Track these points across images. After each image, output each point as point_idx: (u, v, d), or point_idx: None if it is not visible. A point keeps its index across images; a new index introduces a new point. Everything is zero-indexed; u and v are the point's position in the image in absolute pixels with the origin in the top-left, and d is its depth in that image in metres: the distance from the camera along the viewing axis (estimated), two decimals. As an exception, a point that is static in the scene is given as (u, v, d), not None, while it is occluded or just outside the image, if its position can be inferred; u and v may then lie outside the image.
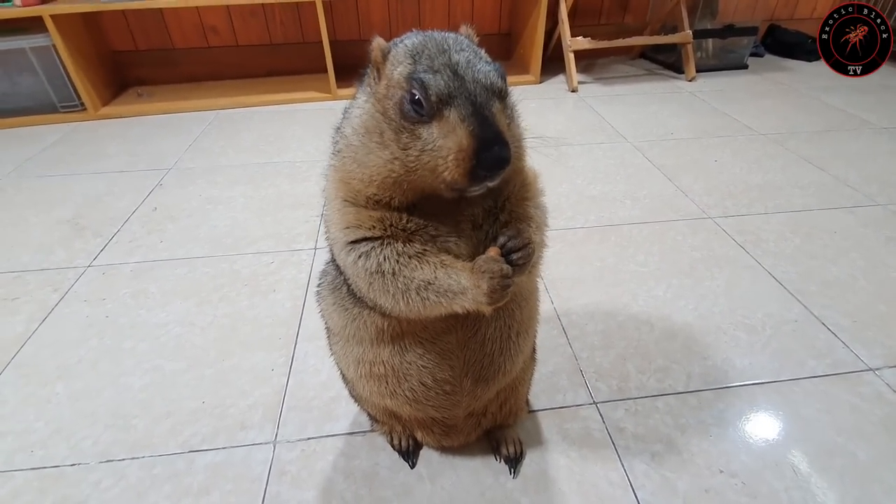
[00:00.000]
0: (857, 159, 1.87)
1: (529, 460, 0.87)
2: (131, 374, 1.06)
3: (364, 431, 0.93)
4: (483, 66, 0.48)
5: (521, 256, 0.54)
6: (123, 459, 0.89)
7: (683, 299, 1.23)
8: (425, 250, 0.55)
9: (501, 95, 0.49)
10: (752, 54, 3.00)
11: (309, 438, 0.92)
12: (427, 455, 0.89)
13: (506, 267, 0.52)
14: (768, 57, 3.10)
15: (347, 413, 0.96)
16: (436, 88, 0.46)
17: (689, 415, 0.95)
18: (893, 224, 1.49)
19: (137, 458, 0.90)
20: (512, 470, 0.85)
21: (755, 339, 1.11)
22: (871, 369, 1.03)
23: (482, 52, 0.52)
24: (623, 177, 1.78)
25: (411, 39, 0.53)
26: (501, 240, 0.55)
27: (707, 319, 1.17)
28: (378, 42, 0.53)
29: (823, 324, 1.15)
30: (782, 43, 3.09)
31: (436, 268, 0.54)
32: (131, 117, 2.41)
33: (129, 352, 1.11)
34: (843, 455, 0.88)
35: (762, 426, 0.93)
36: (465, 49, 0.50)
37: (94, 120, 2.39)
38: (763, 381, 1.01)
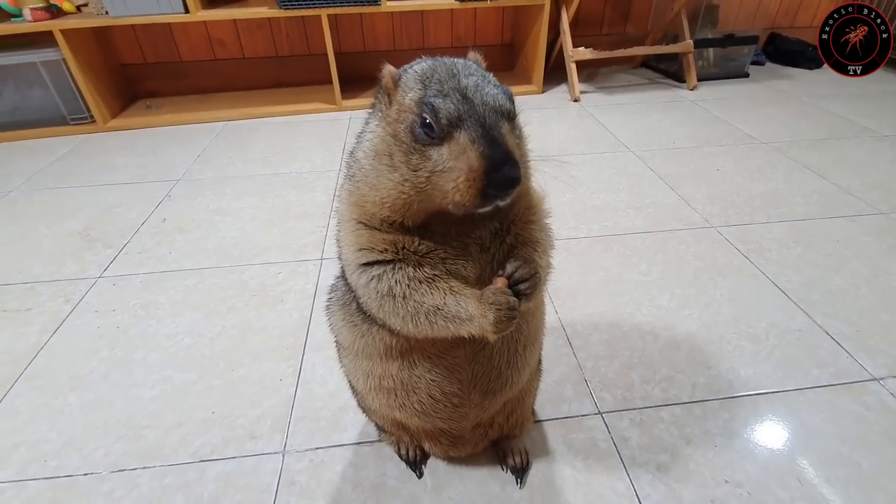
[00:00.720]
0: (859, 167, 1.88)
1: (535, 470, 0.88)
2: (142, 384, 1.07)
3: (372, 441, 0.94)
4: (491, 90, 0.50)
5: (527, 287, 0.56)
6: (135, 469, 0.91)
7: (687, 309, 1.24)
8: (435, 275, 0.56)
9: (510, 117, 0.50)
10: (754, 62, 3.02)
11: (317, 448, 0.93)
12: (434, 465, 0.90)
13: (513, 300, 0.54)
14: (769, 65, 3.12)
15: (355, 423, 0.97)
16: (446, 112, 0.47)
17: (694, 425, 0.96)
18: (896, 232, 1.50)
19: (149, 467, 0.91)
20: (518, 480, 0.86)
21: (759, 349, 1.12)
22: (875, 379, 1.04)
23: (490, 76, 0.54)
24: (626, 186, 1.80)
25: (420, 65, 0.54)
26: (509, 269, 0.57)
27: (711, 329, 1.18)
28: (389, 69, 0.55)
29: (827, 333, 1.15)
30: (783, 51, 3.11)
31: (445, 294, 0.56)
32: (140, 129, 2.45)
33: (140, 362, 1.13)
34: (847, 465, 0.88)
35: (767, 436, 0.93)
36: (473, 73, 0.51)
37: (104, 132, 2.42)
38: (767, 390, 1.02)
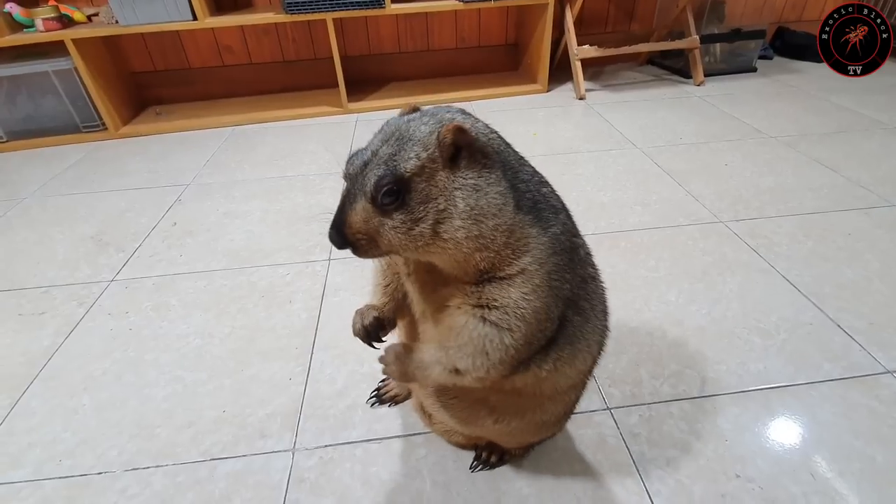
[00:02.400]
0: (870, 160, 1.86)
1: (544, 467, 0.88)
2: (154, 384, 1.09)
3: (380, 439, 0.94)
4: (367, 165, 0.53)
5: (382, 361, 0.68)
6: (148, 467, 0.92)
7: (696, 304, 1.23)
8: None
9: (368, 198, 0.52)
10: (761, 57, 3.00)
11: (326, 446, 0.94)
12: (442, 462, 0.90)
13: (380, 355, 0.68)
14: (777, 59, 3.09)
15: (364, 421, 0.98)
16: (343, 171, 0.57)
17: (704, 420, 0.95)
18: (909, 225, 1.48)
19: (161, 466, 0.92)
20: (474, 464, 0.88)
21: (770, 343, 1.11)
22: (888, 371, 1.02)
23: (388, 150, 0.53)
24: (633, 183, 1.79)
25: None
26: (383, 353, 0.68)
27: (720, 324, 1.17)
28: None
29: (839, 326, 1.14)
30: (791, 45, 3.08)
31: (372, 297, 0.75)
32: (150, 136, 2.49)
33: (152, 363, 1.14)
34: (861, 459, 0.87)
35: (778, 430, 0.92)
36: (366, 151, 0.55)
37: (115, 139, 2.46)
38: (779, 384, 1.01)
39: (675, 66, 2.94)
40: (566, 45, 2.71)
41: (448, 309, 0.59)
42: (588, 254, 0.66)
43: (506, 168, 0.55)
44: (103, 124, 2.45)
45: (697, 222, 1.54)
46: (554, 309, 0.58)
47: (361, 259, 0.57)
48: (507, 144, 0.59)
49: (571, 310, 0.61)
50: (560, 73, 2.88)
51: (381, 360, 0.67)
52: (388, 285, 0.71)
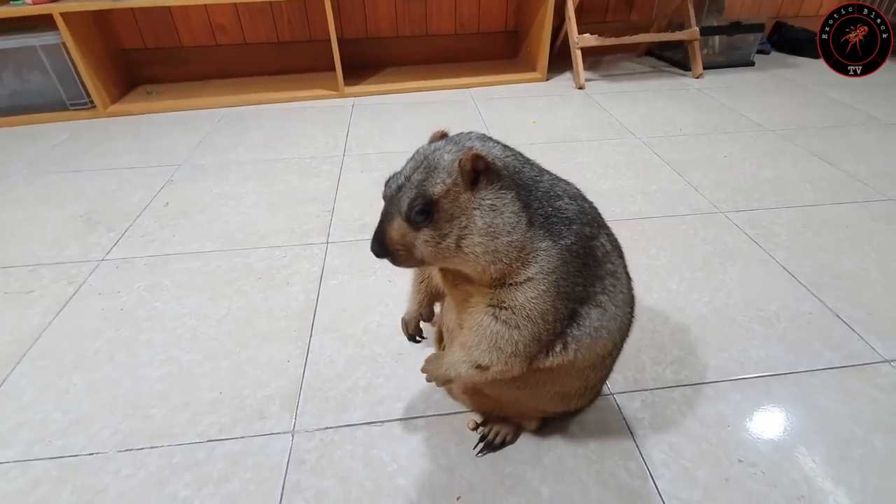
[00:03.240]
0: (867, 154, 1.87)
1: (547, 450, 0.88)
2: (148, 365, 1.06)
3: (382, 422, 0.93)
4: (402, 188, 0.61)
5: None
6: (143, 448, 0.90)
7: (697, 292, 1.23)
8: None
9: (403, 216, 0.60)
10: (759, 51, 3.00)
11: (327, 428, 0.92)
12: (446, 444, 0.89)
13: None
14: (774, 54, 3.10)
15: (364, 403, 0.97)
16: (383, 193, 0.64)
17: (707, 405, 0.95)
18: (906, 218, 1.49)
19: (157, 447, 0.90)
20: (479, 447, 0.87)
21: (770, 332, 1.11)
22: (887, 361, 1.03)
23: (420, 174, 0.60)
24: (633, 172, 1.78)
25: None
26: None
27: (722, 312, 1.17)
28: None
29: (838, 316, 1.14)
30: (789, 40, 3.08)
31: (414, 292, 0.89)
32: (141, 115, 2.42)
33: (146, 343, 1.11)
34: (862, 445, 0.88)
35: (780, 417, 0.93)
36: (401, 175, 0.63)
37: (104, 117, 2.40)
38: (780, 372, 1.01)
39: (674, 58, 2.93)
40: (566, 34, 2.68)
41: (470, 306, 0.69)
42: (607, 252, 0.70)
43: (520, 188, 0.62)
44: (92, 102, 2.38)
45: (698, 212, 1.54)
46: (562, 310, 0.65)
47: (399, 268, 0.66)
48: (526, 162, 0.66)
49: (588, 306, 0.67)
50: (559, 61, 2.86)
51: (423, 369, 0.76)
52: (422, 282, 0.85)
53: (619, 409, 0.95)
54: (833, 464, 0.85)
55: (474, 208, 0.59)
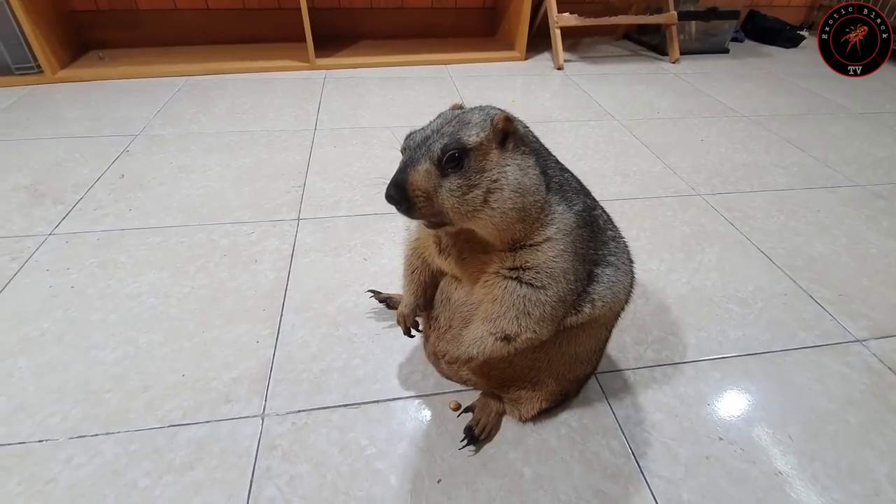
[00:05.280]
0: (836, 141, 1.92)
1: (530, 430, 0.85)
2: (102, 347, 0.98)
3: (358, 404, 0.89)
4: (429, 138, 0.60)
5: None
6: (97, 435, 0.83)
7: (676, 273, 1.23)
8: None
9: (434, 160, 0.59)
10: (733, 39, 3.03)
11: (299, 411, 0.87)
12: (425, 426, 0.85)
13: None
14: (748, 42, 3.14)
15: (340, 385, 0.92)
16: (402, 145, 0.64)
17: (687, 384, 0.95)
18: (872, 203, 1.53)
19: (112, 433, 0.83)
20: (465, 440, 0.81)
21: (747, 312, 1.12)
22: (858, 340, 1.05)
23: (450, 127, 0.61)
24: (612, 154, 1.77)
25: None
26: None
27: (700, 292, 1.17)
28: None
29: (811, 297, 1.16)
30: (762, 29, 3.13)
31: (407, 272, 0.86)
32: (92, 81, 2.25)
33: (99, 324, 1.03)
34: (835, 421, 0.89)
35: (758, 395, 0.93)
36: (430, 127, 0.63)
37: (52, 83, 2.21)
38: (757, 351, 1.02)
39: (651, 42, 2.93)
40: (545, 13, 2.63)
41: (485, 276, 0.69)
42: (607, 220, 0.77)
43: (538, 156, 0.66)
44: (38, 67, 2.19)
45: (676, 194, 1.54)
46: (581, 270, 0.68)
47: (411, 219, 0.65)
48: (538, 139, 0.69)
49: (601, 267, 0.71)
50: (537, 41, 2.81)
51: (441, 350, 0.78)
52: (414, 271, 0.82)
53: (602, 388, 0.93)
54: (808, 440, 0.86)
55: (506, 165, 0.61)
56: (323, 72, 2.42)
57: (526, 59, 2.68)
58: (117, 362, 0.95)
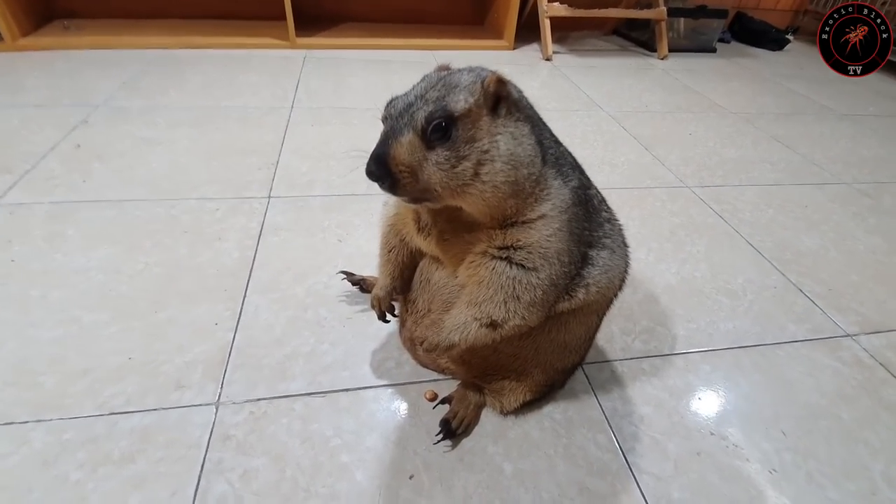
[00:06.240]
0: (822, 141, 1.91)
1: (512, 423, 0.79)
2: (40, 325, 0.88)
3: (325, 392, 0.81)
4: (413, 105, 0.54)
5: None
6: (27, 422, 0.73)
7: (665, 263, 1.18)
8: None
9: (417, 130, 0.53)
10: (720, 40, 3.03)
11: (259, 399, 0.79)
12: (397, 417, 0.78)
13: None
14: (734, 43, 3.15)
15: (305, 372, 0.84)
16: (382, 114, 0.57)
17: (677, 377, 0.90)
18: (859, 201, 1.52)
19: (44, 420, 0.74)
20: (440, 434, 0.74)
21: (737, 304, 1.08)
22: (848, 335, 1.02)
23: (436, 91, 0.54)
24: (600, 143, 1.72)
25: None
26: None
27: (689, 283, 1.12)
28: None
29: (801, 291, 1.13)
30: (748, 30, 3.14)
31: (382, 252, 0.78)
32: (56, 50, 2.11)
33: (39, 300, 0.93)
34: (828, 417, 0.85)
35: (749, 388, 0.89)
36: (413, 92, 0.56)
37: (12, 51, 2.07)
38: (748, 344, 0.98)
39: (640, 39, 2.91)
40: (534, 2, 2.58)
41: (470, 256, 0.62)
42: (601, 200, 0.71)
43: (533, 125, 0.59)
44: (-3, 33, 2.04)
45: (664, 185, 1.50)
46: (575, 252, 0.62)
47: (395, 196, 0.57)
48: (532, 106, 0.63)
49: (595, 249, 0.65)
50: (526, 33, 2.76)
51: (419, 336, 0.68)
52: (391, 250, 0.75)
53: (588, 379, 0.88)
54: (801, 436, 0.81)
55: (498, 133, 0.55)
56: (303, 51, 2.32)
57: (514, 48, 2.63)
58: (56, 342, 0.85)
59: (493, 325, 0.62)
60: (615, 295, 0.74)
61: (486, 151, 0.54)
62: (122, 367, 0.82)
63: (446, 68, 0.62)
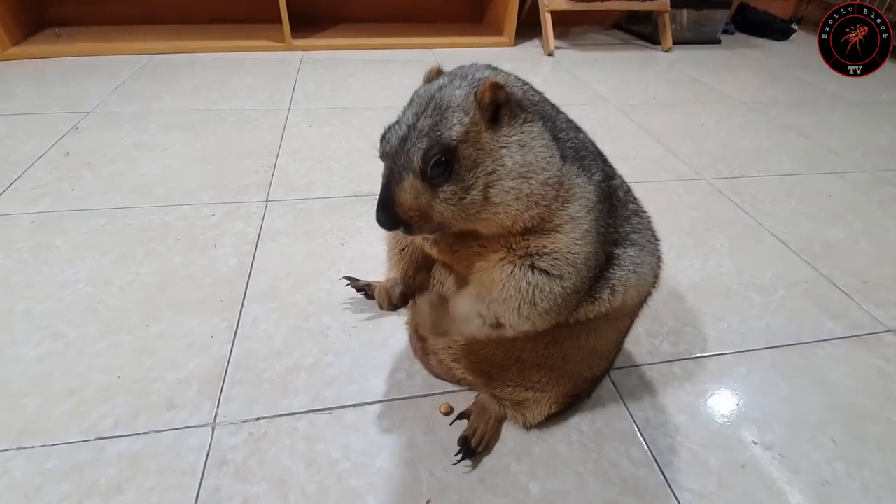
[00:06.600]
0: (837, 129, 1.84)
1: (536, 437, 0.72)
2: (24, 342, 0.82)
3: (331, 409, 0.74)
4: (407, 140, 0.49)
5: None
6: (6, 450, 0.67)
7: (687, 259, 1.11)
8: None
9: (416, 172, 0.48)
10: (724, 31, 2.97)
11: (258, 419, 0.73)
12: (411, 435, 0.72)
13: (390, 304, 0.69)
14: (738, 35, 3.09)
15: (308, 386, 0.77)
16: (379, 152, 0.52)
17: (711, 381, 0.83)
18: (883, 188, 1.45)
19: (25, 448, 0.67)
20: (459, 454, 0.67)
21: (768, 300, 1.01)
22: (890, 330, 0.95)
23: (427, 119, 0.49)
24: (609, 137, 1.66)
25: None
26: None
27: (715, 280, 1.06)
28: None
29: (835, 284, 1.06)
30: (752, 21, 3.08)
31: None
32: (47, 59, 2.06)
33: (23, 316, 0.87)
34: (878, 421, 0.78)
35: (791, 392, 0.82)
36: (406, 120, 0.50)
37: (3, 60, 2.02)
38: (784, 343, 0.91)
39: (642, 32, 2.85)
40: (534, -2, 2.53)
41: (484, 263, 0.56)
42: (627, 191, 0.66)
43: (545, 119, 0.53)
44: (-15, 41, 1.99)
45: (680, 178, 1.44)
46: (601, 254, 0.57)
47: (413, 236, 0.57)
48: (541, 94, 0.57)
49: (622, 247, 0.60)
50: (526, 29, 2.70)
51: (420, 311, 0.61)
52: (403, 249, 0.69)
53: (615, 387, 0.81)
54: (853, 443, 0.74)
55: (501, 147, 0.49)
56: (300, 53, 2.27)
57: (515, 45, 2.57)
58: (40, 360, 0.79)
59: (497, 325, 0.57)
60: (649, 293, 0.68)
61: (492, 172, 0.49)
62: (111, 386, 0.76)
63: (437, 73, 0.56)
